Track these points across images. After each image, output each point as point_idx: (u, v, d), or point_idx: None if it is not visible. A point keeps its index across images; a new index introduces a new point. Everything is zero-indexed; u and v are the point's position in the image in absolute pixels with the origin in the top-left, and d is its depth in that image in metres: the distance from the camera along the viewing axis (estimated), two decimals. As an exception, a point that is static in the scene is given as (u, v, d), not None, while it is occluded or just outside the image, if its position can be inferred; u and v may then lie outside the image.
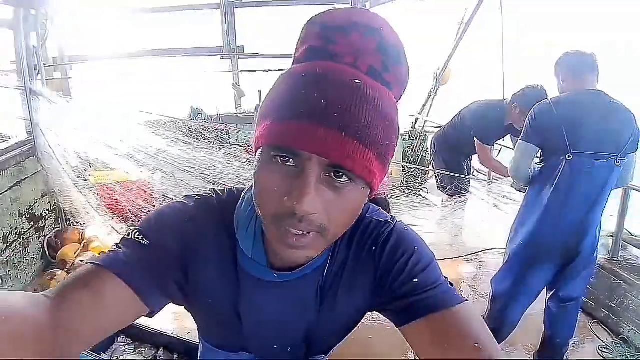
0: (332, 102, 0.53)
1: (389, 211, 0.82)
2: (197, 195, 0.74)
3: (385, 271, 0.69)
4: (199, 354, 0.89)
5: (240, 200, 0.72)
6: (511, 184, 2.63)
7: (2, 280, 2.62)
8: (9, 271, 2.71)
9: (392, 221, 0.74)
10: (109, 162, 3.28)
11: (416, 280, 0.66)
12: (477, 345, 0.58)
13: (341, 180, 0.55)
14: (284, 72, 0.60)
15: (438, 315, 0.63)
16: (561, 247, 1.96)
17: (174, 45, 5.22)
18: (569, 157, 1.84)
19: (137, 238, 0.66)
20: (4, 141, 3.02)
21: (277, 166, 0.55)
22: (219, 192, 0.75)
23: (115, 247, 0.66)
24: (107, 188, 3.49)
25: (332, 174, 0.55)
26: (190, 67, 5.44)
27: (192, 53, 5.14)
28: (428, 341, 0.62)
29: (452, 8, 4.89)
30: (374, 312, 0.75)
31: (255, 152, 0.60)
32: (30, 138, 3.13)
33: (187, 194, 0.75)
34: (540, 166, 2.00)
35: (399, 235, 0.72)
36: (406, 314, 0.65)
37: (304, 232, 0.56)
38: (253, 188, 0.60)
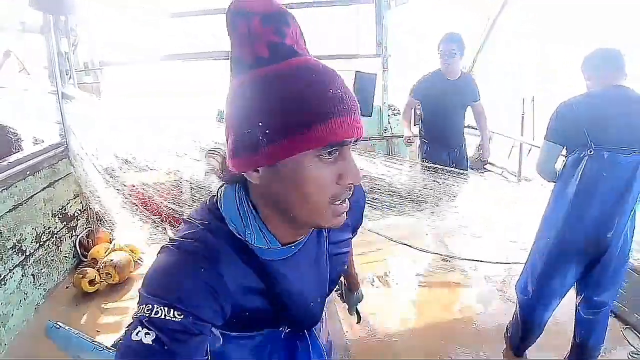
0: (346, 92, 0.62)
1: None
2: (179, 240, 0.70)
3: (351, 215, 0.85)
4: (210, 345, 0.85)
5: (223, 214, 0.72)
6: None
7: (34, 277, 2.72)
8: (41, 269, 2.80)
9: None
10: (139, 163, 3.35)
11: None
12: None
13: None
14: (259, 77, 0.62)
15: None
16: (586, 246, 1.91)
17: (200, 49, 5.29)
18: (590, 152, 1.81)
19: (169, 315, 0.62)
20: (37, 144, 3.13)
21: (324, 161, 0.63)
22: (196, 223, 0.73)
23: (144, 334, 0.60)
24: (136, 188, 3.56)
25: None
26: (216, 69, 5.51)
27: (218, 56, 5.20)
28: None
29: (480, 3, 4.77)
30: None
31: (275, 162, 0.63)
32: (62, 140, 3.23)
33: (165, 246, 0.71)
34: (565, 162, 1.96)
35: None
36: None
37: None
38: (294, 191, 0.64)
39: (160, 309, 0.62)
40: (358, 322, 1.43)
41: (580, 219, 1.88)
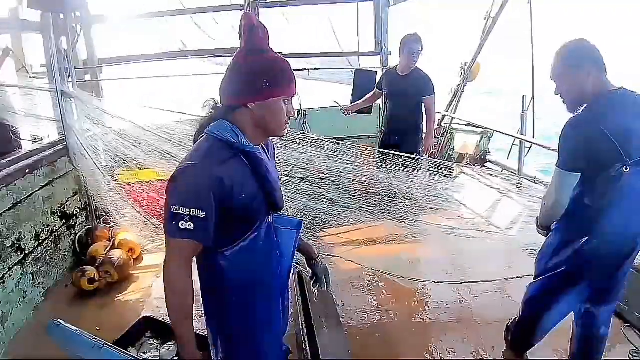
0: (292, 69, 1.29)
1: None
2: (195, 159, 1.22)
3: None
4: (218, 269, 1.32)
5: (218, 136, 1.24)
6: (536, 227, 2.07)
7: (34, 276, 2.72)
8: (40, 267, 2.80)
9: None
10: (139, 161, 3.33)
11: None
12: None
13: None
14: (262, 59, 1.24)
15: None
16: (607, 264, 1.81)
17: (199, 46, 5.28)
18: (625, 169, 1.64)
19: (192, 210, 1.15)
20: (37, 142, 3.12)
21: (286, 103, 1.27)
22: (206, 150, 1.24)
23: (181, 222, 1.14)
24: (136, 186, 3.55)
25: None
26: (215, 66, 5.49)
27: (218, 53, 5.18)
28: None
29: (481, 1, 4.76)
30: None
31: (258, 101, 1.23)
32: (62, 138, 3.23)
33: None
34: (583, 184, 1.74)
35: None
36: None
37: None
38: (273, 116, 1.25)
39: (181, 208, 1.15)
40: (327, 286, 1.70)
41: (606, 239, 1.75)
